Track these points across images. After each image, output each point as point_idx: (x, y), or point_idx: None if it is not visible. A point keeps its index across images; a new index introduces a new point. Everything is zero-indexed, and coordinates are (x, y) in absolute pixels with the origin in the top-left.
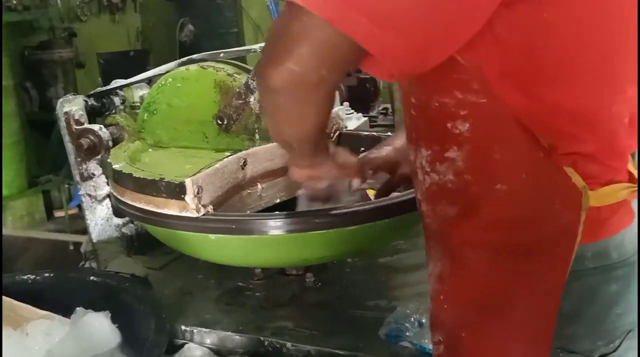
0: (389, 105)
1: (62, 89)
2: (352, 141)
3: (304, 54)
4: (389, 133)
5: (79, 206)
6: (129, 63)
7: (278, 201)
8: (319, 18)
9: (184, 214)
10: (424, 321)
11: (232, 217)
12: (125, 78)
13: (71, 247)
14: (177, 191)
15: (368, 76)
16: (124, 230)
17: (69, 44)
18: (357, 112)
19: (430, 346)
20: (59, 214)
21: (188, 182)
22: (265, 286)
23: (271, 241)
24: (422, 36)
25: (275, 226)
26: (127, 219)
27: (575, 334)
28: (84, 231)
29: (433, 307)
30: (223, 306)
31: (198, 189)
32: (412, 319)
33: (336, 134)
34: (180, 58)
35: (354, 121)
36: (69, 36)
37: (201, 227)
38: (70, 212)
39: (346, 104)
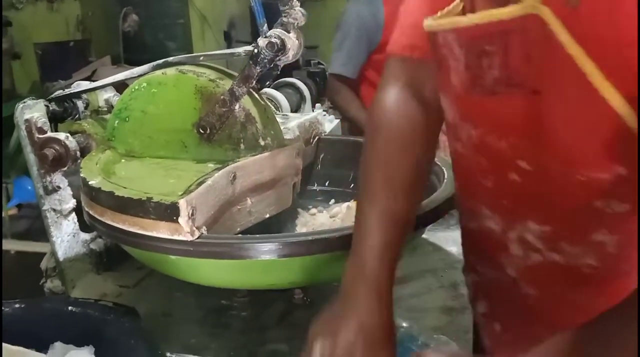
0: None
1: None
2: (332, 147)
3: None
4: None
5: (19, 206)
6: (68, 54)
7: (267, 215)
8: None
9: (176, 237)
10: (431, 344)
11: (231, 240)
12: (65, 70)
13: (12, 252)
14: (168, 213)
15: (317, 70)
16: (92, 246)
17: (3, 33)
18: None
19: None
20: None
21: (182, 203)
22: (251, 304)
23: (271, 264)
24: None
25: (281, 248)
26: (95, 234)
27: None
28: (26, 233)
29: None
30: (208, 328)
31: (192, 210)
32: (420, 342)
33: (315, 139)
34: (123, 49)
35: (327, 124)
36: (3, 25)
37: (196, 252)
38: (10, 213)
39: (318, 105)
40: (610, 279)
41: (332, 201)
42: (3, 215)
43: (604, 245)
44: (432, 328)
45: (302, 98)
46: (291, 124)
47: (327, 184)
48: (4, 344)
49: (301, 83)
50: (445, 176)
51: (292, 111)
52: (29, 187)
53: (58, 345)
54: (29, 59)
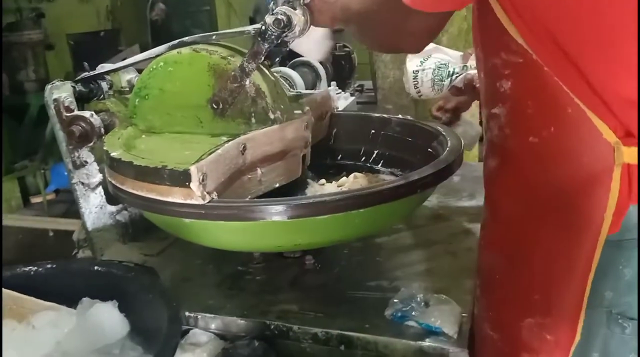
0: (364, 82)
1: (32, 71)
2: (344, 122)
3: None
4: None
5: (56, 191)
6: (99, 43)
7: (277, 185)
8: None
9: (188, 201)
10: (431, 302)
11: (239, 204)
12: (97, 59)
13: (51, 234)
14: (181, 179)
15: (343, 53)
16: (118, 217)
17: (38, 25)
18: None
19: (436, 324)
20: (35, 200)
21: (193, 169)
22: (265, 270)
23: (278, 226)
24: None
25: (283, 211)
26: (121, 206)
27: (635, 302)
28: (63, 216)
29: (479, 252)
30: (225, 291)
31: (203, 176)
32: (418, 299)
33: (328, 114)
34: (151, 37)
35: (342, 101)
36: (37, 17)
37: (207, 215)
38: (48, 197)
39: (333, 83)
40: (504, 149)
41: (345, 174)
42: (42, 200)
43: (499, 116)
44: (435, 289)
45: (318, 77)
46: (302, 99)
47: (339, 158)
48: (39, 300)
49: (317, 62)
50: (449, 144)
51: (307, 89)
52: (66, 173)
53: (86, 300)
54: (62, 49)
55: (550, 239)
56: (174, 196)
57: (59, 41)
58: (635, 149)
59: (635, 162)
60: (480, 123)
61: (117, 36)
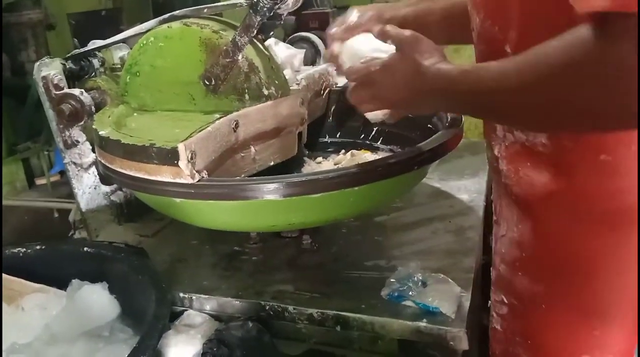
0: None
1: (33, 52)
2: (343, 99)
3: None
4: None
5: (61, 173)
6: (101, 23)
7: (272, 163)
8: None
9: (177, 180)
10: (428, 281)
11: (229, 183)
12: (98, 39)
13: (56, 215)
14: (169, 157)
15: None
16: (112, 198)
17: (38, 4)
18: None
19: (434, 304)
20: (40, 181)
21: (181, 147)
22: (262, 250)
23: (270, 205)
24: None
25: (275, 189)
26: (115, 186)
27: None
28: (68, 197)
29: (503, 269)
30: (220, 272)
31: (191, 154)
32: (415, 278)
33: (326, 91)
34: (153, 16)
35: (342, 78)
36: None
37: (197, 194)
38: (52, 179)
39: None
40: (561, 162)
41: (343, 151)
42: (46, 181)
43: None
44: (434, 269)
45: (317, 52)
46: (300, 76)
47: (338, 135)
48: (28, 282)
49: (316, 37)
50: (448, 120)
51: (306, 65)
52: None
53: (75, 282)
54: (63, 29)
55: (618, 265)
56: (163, 174)
57: (59, 21)
58: None
59: None
60: None
61: (119, 15)
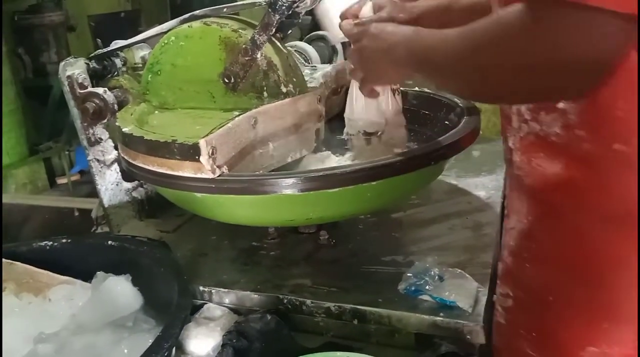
0: None
1: (55, 53)
2: None
3: None
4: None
5: (82, 173)
6: (120, 24)
7: (290, 160)
8: None
9: (199, 175)
10: (445, 276)
11: (249, 177)
12: (118, 39)
13: (76, 213)
14: (191, 153)
15: None
16: (134, 194)
17: (59, 6)
18: None
19: (451, 298)
20: (61, 181)
21: (202, 143)
22: (280, 245)
23: (288, 200)
24: None
25: (294, 184)
26: (137, 183)
27: None
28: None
29: (510, 261)
30: (239, 266)
31: (212, 150)
32: (432, 272)
33: (343, 88)
34: (171, 17)
35: None
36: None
37: (217, 188)
38: (73, 178)
39: None
40: (574, 153)
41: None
42: (67, 181)
43: (566, 112)
44: (451, 264)
45: (334, 51)
46: (317, 74)
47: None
48: (55, 274)
49: (333, 36)
50: (465, 116)
51: (323, 63)
52: None
53: (100, 274)
54: (83, 30)
55: (630, 257)
56: (185, 170)
57: (80, 23)
58: None
59: None
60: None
61: (138, 17)
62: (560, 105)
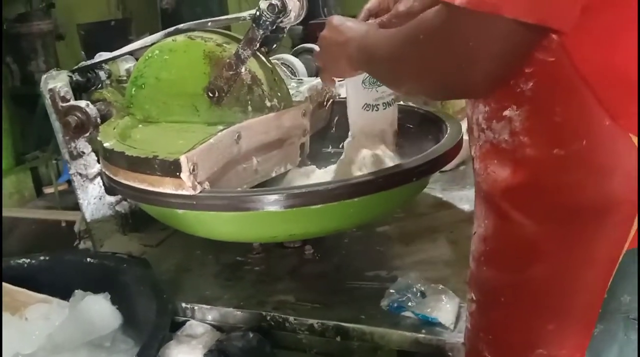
0: None
1: (43, 62)
2: (346, 109)
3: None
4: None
5: (69, 182)
6: (110, 33)
7: (274, 174)
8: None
9: (179, 192)
10: (428, 292)
11: (230, 194)
12: (107, 49)
13: (63, 224)
14: (171, 169)
15: None
16: (117, 208)
17: (48, 15)
18: None
19: (433, 315)
20: (48, 190)
21: (183, 159)
22: (264, 260)
23: (270, 216)
24: None
25: (275, 201)
26: (120, 197)
27: None
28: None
29: (473, 266)
30: (223, 282)
31: (193, 166)
32: (414, 289)
33: (329, 102)
34: (162, 26)
35: (344, 88)
36: (47, 7)
37: (198, 205)
38: (60, 188)
39: None
40: (519, 157)
41: None
42: (54, 190)
43: (512, 120)
44: (434, 279)
45: None
46: (303, 87)
47: (341, 146)
48: (32, 292)
49: None
50: (448, 131)
51: (310, 77)
52: None
53: (78, 293)
54: (72, 39)
55: (571, 259)
56: (165, 186)
57: (69, 31)
58: None
59: None
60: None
61: (128, 25)
62: (507, 113)
